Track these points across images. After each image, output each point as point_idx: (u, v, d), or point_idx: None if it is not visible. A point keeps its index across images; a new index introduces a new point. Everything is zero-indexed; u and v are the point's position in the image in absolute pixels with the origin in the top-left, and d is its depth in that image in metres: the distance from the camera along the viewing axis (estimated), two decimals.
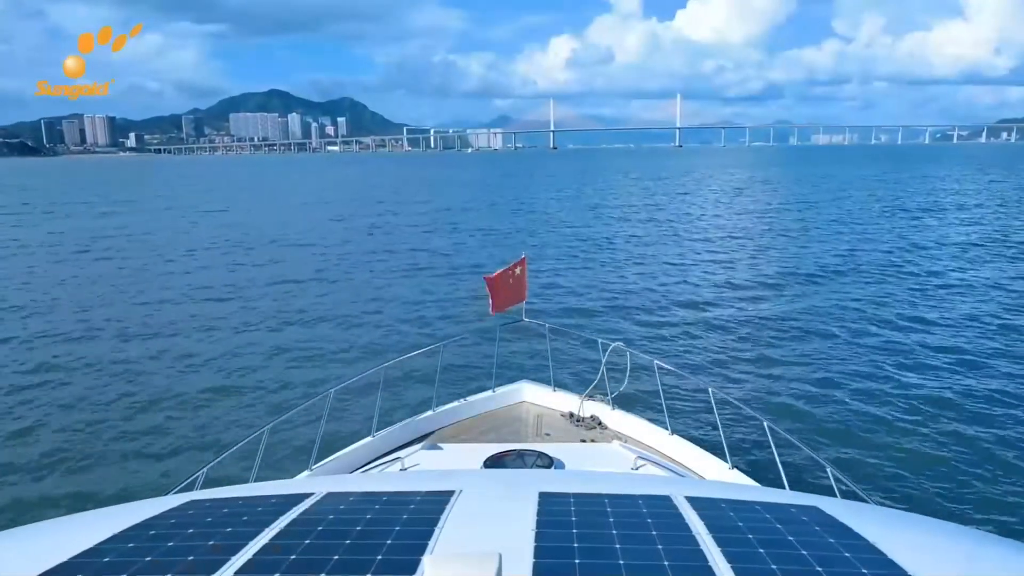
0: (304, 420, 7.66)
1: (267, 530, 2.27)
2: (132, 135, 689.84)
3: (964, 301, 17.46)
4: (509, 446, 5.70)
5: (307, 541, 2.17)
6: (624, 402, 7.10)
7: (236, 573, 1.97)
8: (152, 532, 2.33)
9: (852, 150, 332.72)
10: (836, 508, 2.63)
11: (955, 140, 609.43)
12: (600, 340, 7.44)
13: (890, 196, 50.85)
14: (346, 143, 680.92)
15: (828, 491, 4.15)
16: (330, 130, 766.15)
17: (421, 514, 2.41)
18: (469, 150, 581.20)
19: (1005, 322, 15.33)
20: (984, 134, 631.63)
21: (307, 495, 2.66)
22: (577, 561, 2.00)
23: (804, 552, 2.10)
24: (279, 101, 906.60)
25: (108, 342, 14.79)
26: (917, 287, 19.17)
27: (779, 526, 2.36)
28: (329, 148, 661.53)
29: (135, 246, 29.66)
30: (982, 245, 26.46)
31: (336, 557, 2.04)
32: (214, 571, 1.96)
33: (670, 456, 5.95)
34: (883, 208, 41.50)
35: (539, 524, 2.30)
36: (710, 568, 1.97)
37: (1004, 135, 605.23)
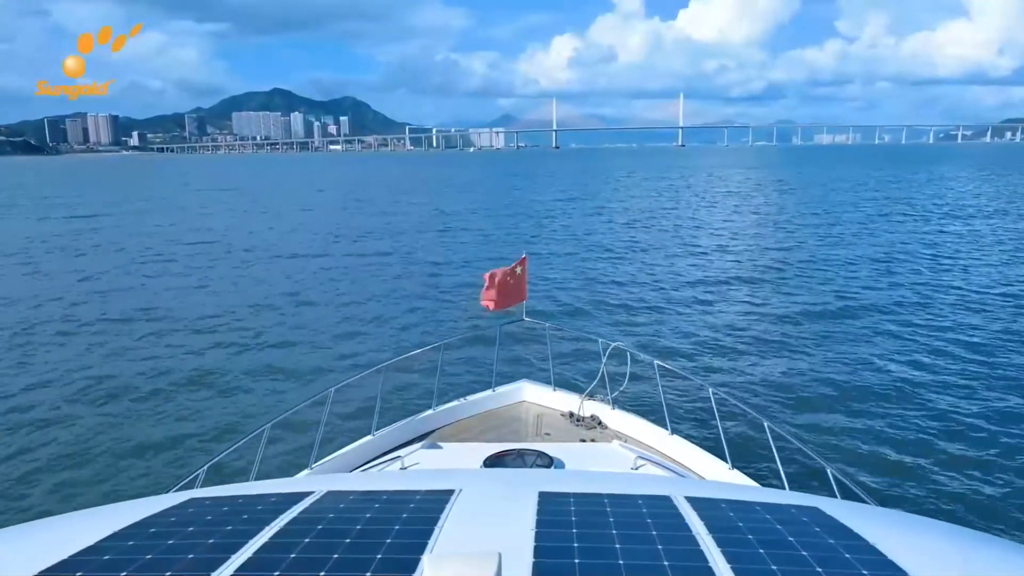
0: (304, 419, 7.65)
1: (267, 529, 2.27)
2: (135, 134, 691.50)
3: (967, 303, 17.41)
4: (509, 445, 5.69)
5: (307, 540, 2.17)
6: (624, 402, 7.09)
7: (236, 571, 1.97)
8: (152, 530, 2.33)
9: (856, 150, 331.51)
10: (836, 509, 2.63)
11: (959, 140, 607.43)
12: (600, 340, 7.42)
13: (905, 197, 50.28)
14: (348, 142, 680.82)
15: (828, 492, 4.15)
16: (332, 129, 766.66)
17: (421, 513, 2.41)
18: (471, 149, 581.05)
19: (1008, 325, 15.30)
20: (989, 134, 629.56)
21: (307, 494, 2.66)
22: (577, 561, 2.00)
23: (804, 553, 2.10)
24: (281, 100, 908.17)
25: (109, 341, 14.82)
26: (920, 289, 19.13)
27: (779, 527, 2.35)
28: (331, 147, 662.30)
29: (135, 244, 29.71)
30: (997, 250, 26.28)
31: (336, 556, 2.04)
32: (214, 569, 1.96)
33: (670, 456, 5.93)
34: (900, 212, 40.31)
35: (539, 524, 2.29)
36: (710, 569, 1.97)
37: (1009, 135, 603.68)
